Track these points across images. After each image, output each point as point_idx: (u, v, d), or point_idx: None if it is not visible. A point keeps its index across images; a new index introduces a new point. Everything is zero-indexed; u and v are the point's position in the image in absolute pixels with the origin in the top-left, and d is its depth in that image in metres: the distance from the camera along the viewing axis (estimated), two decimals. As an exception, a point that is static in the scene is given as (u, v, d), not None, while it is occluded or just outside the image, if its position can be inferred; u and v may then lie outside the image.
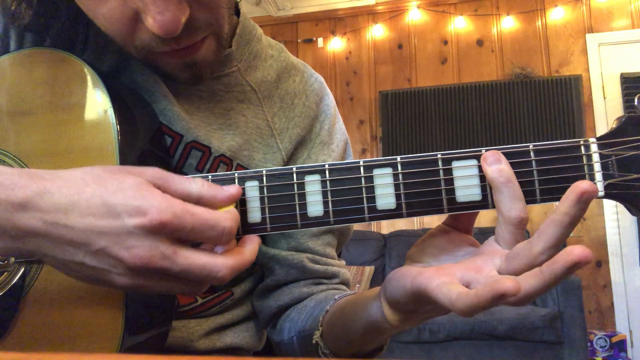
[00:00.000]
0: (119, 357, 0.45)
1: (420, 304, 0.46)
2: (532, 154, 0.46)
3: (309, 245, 0.72)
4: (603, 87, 3.92)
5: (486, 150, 0.46)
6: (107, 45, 0.67)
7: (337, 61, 4.54)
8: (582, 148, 0.46)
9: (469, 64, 4.25)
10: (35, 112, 0.59)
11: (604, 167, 0.46)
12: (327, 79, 4.45)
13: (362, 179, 0.48)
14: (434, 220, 4.00)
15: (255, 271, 0.78)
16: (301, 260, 0.71)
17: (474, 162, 0.47)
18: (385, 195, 0.47)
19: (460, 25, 4.30)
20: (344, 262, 0.78)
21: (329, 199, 0.48)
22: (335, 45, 4.55)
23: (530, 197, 0.46)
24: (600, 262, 3.79)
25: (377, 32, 4.49)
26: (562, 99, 3.91)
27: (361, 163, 0.48)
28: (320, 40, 4.58)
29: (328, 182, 0.48)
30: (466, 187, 0.47)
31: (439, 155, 0.47)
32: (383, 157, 0.48)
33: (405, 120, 4.23)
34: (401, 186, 0.47)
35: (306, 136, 0.75)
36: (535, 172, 0.46)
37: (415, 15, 4.41)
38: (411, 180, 0.47)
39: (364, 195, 0.47)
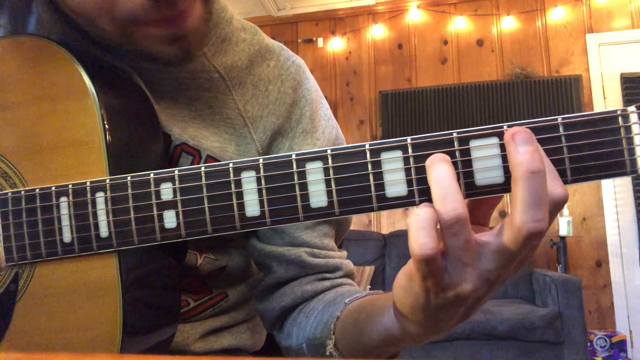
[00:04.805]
0: (118, 357, 0.44)
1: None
2: (561, 128, 0.41)
3: (304, 238, 0.68)
4: (603, 87, 3.92)
5: (509, 126, 0.41)
6: (54, 25, 0.62)
7: (337, 61, 4.54)
8: (620, 119, 0.40)
9: (469, 64, 4.25)
10: (15, 105, 0.55)
11: None
12: (327, 79, 4.45)
13: (369, 165, 0.43)
14: (434, 220, 3.99)
15: (251, 273, 0.76)
16: (299, 255, 0.67)
17: (495, 140, 0.41)
18: (395, 181, 0.42)
19: (460, 25, 4.29)
20: (345, 253, 0.73)
21: (333, 187, 0.44)
22: (335, 45, 4.55)
23: (560, 177, 0.40)
24: (600, 262, 3.78)
25: (377, 32, 4.48)
26: (562, 99, 3.91)
27: (367, 147, 0.43)
28: (320, 40, 4.58)
29: (331, 170, 0.44)
30: (486, 169, 0.41)
31: (455, 135, 0.41)
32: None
33: (405, 120, 4.22)
34: (413, 171, 0.42)
35: (284, 125, 0.70)
36: (565, 148, 0.41)
37: (415, 15, 4.41)
38: (424, 163, 0.41)
39: (372, 182, 0.43)
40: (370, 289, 0.65)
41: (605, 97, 3.90)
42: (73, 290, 0.51)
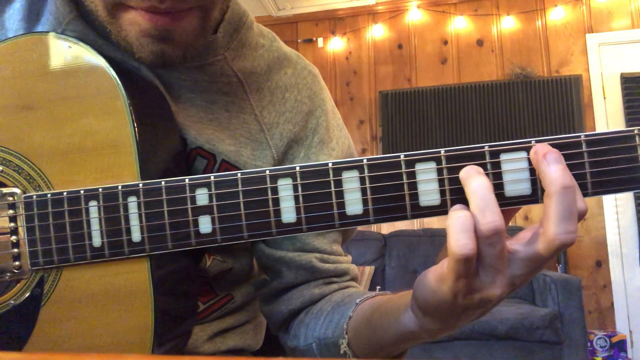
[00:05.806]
0: (118, 357, 0.44)
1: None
2: (584, 145, 0.44)
3: (315, 245, 0.69)
4: (603, 87, 3.93)
5: (536, 142, 0.44)
6: (72, 22, 0.62)
7: (337, 61, 4.53)
8: (637, 138, 0.43)
9: (469, 64, 4.25)
10: (41, 106, 0.54)
11: None
12: (327, 79, 4.45)
13: (404, 175, 0.45)
14: (433, 220, 4.00)
15: (255, 275, 0.76)
16: (310, 261, 0.68)
17: (523, 154, 0.44)
18: (429, 191, 0.45)
19: (460, 25, 4.29)
20: (350, 258, 0.75)
21: (369, 196, 0.45)
22: (335, 45, 4.55)
23: (581, 191, 0.44)
24: (600, 262, 3.79)
25: (377, 32, 4.48)
26: (562, 99, 3.92)
27: (402, 157, 0.45)
28: (320, 40, 4.57)
29: (367, 179, 0.45)
30: (515, 181, 0.44)
31: (487, 148, 0.44)
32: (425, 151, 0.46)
33: (405, 120, 4.23)
34: (446, 181, 0.45)
35: (300, 133, 0.70)
36: (587, 164, 0.44)
37: (415, 15, 4.41)
38: (456, 175, 0.44)
39: (406, 191, 0.45)
40: (380, 289, 0.66)
41: (605, 97, 3.91)
42: (101, 295, 0.51)
